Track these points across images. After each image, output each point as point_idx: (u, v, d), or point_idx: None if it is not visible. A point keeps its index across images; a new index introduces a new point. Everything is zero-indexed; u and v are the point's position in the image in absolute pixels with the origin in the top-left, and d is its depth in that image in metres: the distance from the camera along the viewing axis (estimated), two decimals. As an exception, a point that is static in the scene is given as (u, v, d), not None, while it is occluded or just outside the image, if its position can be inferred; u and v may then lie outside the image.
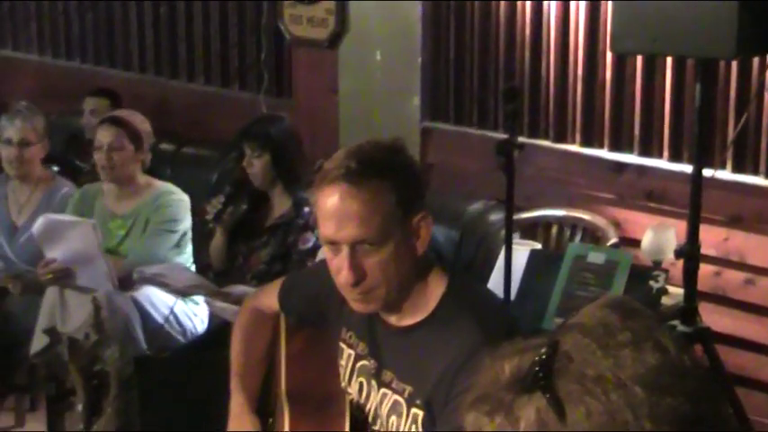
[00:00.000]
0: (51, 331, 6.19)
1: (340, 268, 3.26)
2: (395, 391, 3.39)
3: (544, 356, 1.87)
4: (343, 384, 3.57)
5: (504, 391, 1.89)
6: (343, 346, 3.58)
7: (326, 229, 3.27)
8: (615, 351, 1.86)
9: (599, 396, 1.82)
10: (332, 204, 3.22)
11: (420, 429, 3.30)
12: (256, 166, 6.36)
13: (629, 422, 1.81)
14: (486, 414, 1.91)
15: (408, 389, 3.34)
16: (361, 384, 3.52)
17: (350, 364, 3.56)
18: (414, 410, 3.32)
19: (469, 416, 1.96)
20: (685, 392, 1.86)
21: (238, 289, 6.05)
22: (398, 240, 3.24)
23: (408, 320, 3.36)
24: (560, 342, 1.89)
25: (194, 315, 6.49)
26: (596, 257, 5.77)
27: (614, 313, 1.93)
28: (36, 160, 6.91)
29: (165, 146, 7.97)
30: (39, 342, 6.24)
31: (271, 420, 3.77)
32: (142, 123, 6.77)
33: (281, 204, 6.41)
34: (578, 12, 6.76)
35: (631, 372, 1.84)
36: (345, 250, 3.23)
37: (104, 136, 6.58)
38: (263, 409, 3.76)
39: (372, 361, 3.48)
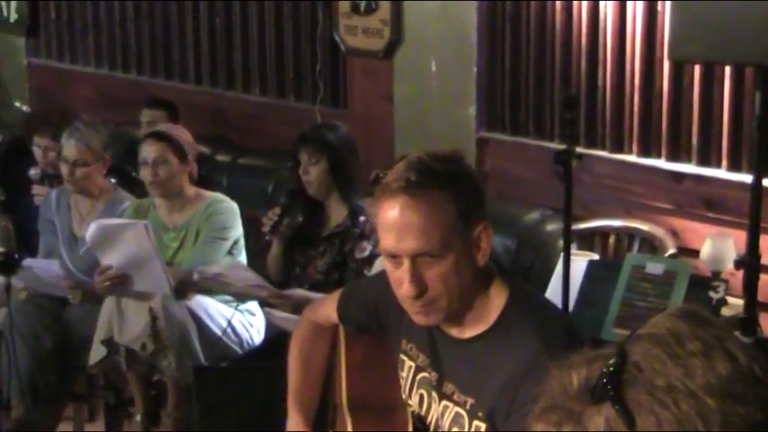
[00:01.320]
0: (109, 342, 6.19)
1: (401, 281, 3.24)
2: (456, 404, 3.37)
3: (612, 367, 1.86)
4: (403, 396, 3.55)
5: (572, 402, 1.88)
6: (403, 357, 3.57)
7: (387, 241, 3.26)
8: (685, 360, 1.84)
9: (669, 406, 1.81)
10: (392, 217, 3.21)
11: None
12: (312, 173, 6.36)
13: (700, 430, 1.79)
14: (554, 424, 1.90)
15: (470, 401, 3.32)
16: (421, 396, 3.50)
17: (410, 376, 3.54)
18: (476, 423, 3.29)
19: (538, 426, 1.95)
20: (756, 401, 1.84)
21: (297, 292, 6.05)
22: (459, 252, 3.21)
23: (470, 332, 3.34)
24: (629, 352, 1.88)
25: (251, 326, 6.49)
26: (655, 267, 5.73)
27: (684, 322, 1.90)
28: (93, 177, 6.91)
29: (221, 156, 7.99)
30: (97, 352, 6.24)
31: None
32: (184, 135, 6.78)
33: (337, 213, 6.40)
34: (635, 18, 6.73)
35: (702, 381, 1.82)
36: (406, 263, 3.21)
37: (148, 152, 6.59)
38: (321, 422, 3.75)
39: (433, 373, 3.46)
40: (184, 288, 6.38)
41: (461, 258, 3.22)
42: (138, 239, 6.22)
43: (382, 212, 3.25)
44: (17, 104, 10.68)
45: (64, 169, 6.87)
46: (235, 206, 6.66)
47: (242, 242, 6.66)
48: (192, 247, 6.55)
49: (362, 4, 8.02)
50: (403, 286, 3.24)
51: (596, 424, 1.85)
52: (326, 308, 3.89)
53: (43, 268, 6.68)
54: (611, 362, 1.87)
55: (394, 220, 3.20)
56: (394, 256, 3.25)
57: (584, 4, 6.95)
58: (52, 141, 7.51)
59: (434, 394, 3.44)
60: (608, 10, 6.84)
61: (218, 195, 6.74)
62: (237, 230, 6.62)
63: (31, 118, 9.17)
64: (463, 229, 3.21)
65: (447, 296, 3.24)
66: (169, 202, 6.66)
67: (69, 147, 6.85)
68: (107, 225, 6.35)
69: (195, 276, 6.36)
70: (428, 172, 3.20)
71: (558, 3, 7.08)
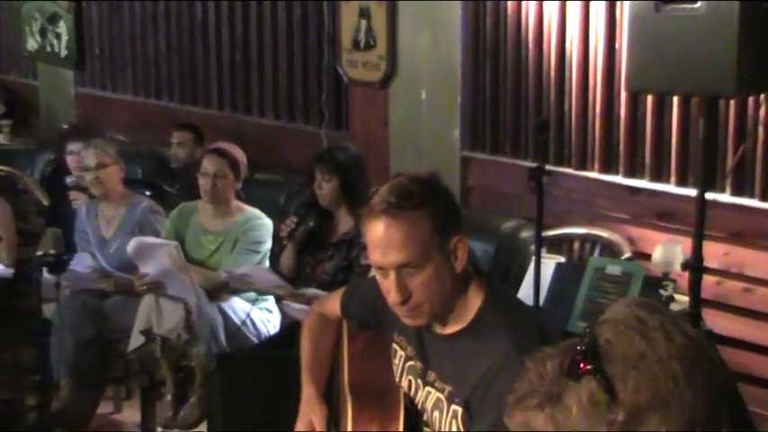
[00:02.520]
0: (147, 332, 6.21)
1: (389, 290, 3.27)
2: (437, 390, 3.39)
3: (587, 346, 1.90)
4: (396, 380, 3.57)
5: (550, 386, 1.91)
6: (396, 347, 3.59)
7: (374, 256, 3.28)
8: (649, 335, 1.88)
9: (643, 371, 1.84)
10: (377, 235, 3.23)
11: (460, 424, 3.29)
12: (325, 188, 6.37)
13: (672, 391, 1.83)
14: (534, 407, 1.92)
15: (449, 388, 3.34)
16: (410, 382, 3.52)
17: (401, 364, 3.57)
18: (453, 407, 3.31)
19: (515, 416, 1.98)
20: (710, 364, 1.89)
21: (310, 291, 6.07)
22: (438, 262, 3.23)
23: (450, 329, 3.36)
24: (597, 334, 1.91)
25: (268, 321, 6.51)
26: (614, 269, 5.75)
27: (641, 308, 1.95)
28: (114, 179, 6.95)
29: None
30: (136, 341, 6.27)
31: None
32: (241, 156, 6.83)
33: (345, 223, 6.40)
34: (597, 55, 6.75)
35: (665, 350, 1.87)
36: (392, 274, 3.23)
37: (210, 165, 6.63)
38: (329, 398, 3.76)
39: (419, 362, 3.48)
40: (217, 290, 6.40)
41: (440, 267, 3.23)
42: (170, 257, 6.28)
43: (368, 231, 3.28)
44: (65, 128, 10.68)
45: (88, 177, 6.91)
46: (270, 223, 6.70)
47: (269, 254, 6.67)
48: (229, 252, 6.57)
49: (362, 42, 8.03)
50: (390, 294, 3.27)
51: (579, 398, 1.87)
52: (332, 303, 3.91)
53: (77, 262, 6.66)
54: (584, 342, 1.91)
55: (378, 238, 3.23)
56: (381, 268, 3.27)
57: (554, 42, 6.96)
58: (84, 146, 7.53)
59: (419, 381, 3.46)
60: (573, 47, 6.85)
61: (257, 212, 6.75)
62: (268, 245, 6.67)
63: (63, 134, 9.16)
64: (440, 242, 3.23)
65: (430, 301, 3.26)
66: (214, 209, 6.70)
67: (89, 155, 6.90)
68: (144, 242, 6.42)
69: (223, 275, 6.38)
70: (406, 194, 3.22)
71: (530, 40, 7.09)
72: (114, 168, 6.91)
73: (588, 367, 1.87)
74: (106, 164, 6.85)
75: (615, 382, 1.85)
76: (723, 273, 6.20)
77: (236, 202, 6.77)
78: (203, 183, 6.63)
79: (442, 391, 3.36)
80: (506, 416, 2.00)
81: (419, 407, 3.46)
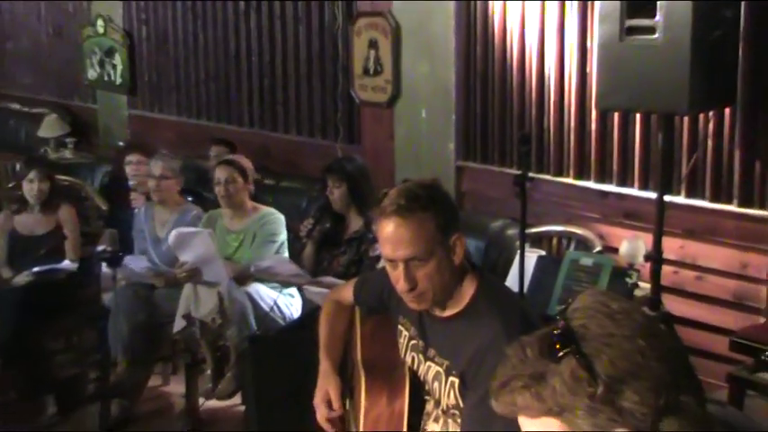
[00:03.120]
0: (187, 316, 6.23)
1: (398, 279, 3.28)
2: (437, 364, 3.40)
3: (561, 331, 1.91)
4: (401, 356, 3.58)
5: (532, 368, 1.90)
6: (401, 328, 3.60)
7: (386, 250, 3.30)
8: (614, 318, 1.90)
9: (615, 347, 1.86)
10: (388, 232, 3.25)
11: (456, 393, 3.30)
12: (336, 194, 6.40)
13: (641, 363, 1.85)
14: (520, 388, 1.92)
15: (446, 363, 3.35)
16: (413, 357, 3.52)
17: (405, 342, 3.57)
18: (451, 379, 3.32)
19: (502, 399, 1.97)
20: (668, 340, 1.91)
21: (327, 279, 6.09)
22: (440, 256, 3.24)
23: (448, 312, 3.37)
24: (570, 320, 1.92)
25: (291, 305, 6.52)
26: (587, 261, 5.76)
27: (604, 296, 1.97)
28: (172, 190, 6.98)
29: (267, 181, 8.01)
30: (179, 324, 6.29)
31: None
32: (247, 163, 6.85)
33: (355, 223, 6.42)
34: (571, 78, 6.75)
35: (629, 330, 1.88)
36: (401, 266, 3.25)
37: (221, 173, 6.66)
38: (342, 373, 3.76)
39: (420, 341, 3.49)
40: (244, 278, 6.41)
41: (442, 261, 3.25)
42: (205, 243, 6.28)
43: (381, 229, 3.30)
44: (120, 144, 10.71)
45: (151, 183, 6.93)
46: (282, 217, 6.72)
47: (286, 245, 6.68)
48: (250, 246, 6.59)
49: (371, 69, 8.03)
50: (399, 283, 3.28)
51: (561, 376, 1.86)
52: (346, 291, 3.92)
53: (135, 263, 6.69)
54: (559, 327, 1.91)
55: (390, 235, 3.24)
56: (391, 261, 3.29)
57: (534, 67, 6.96)
58: (142, 157, 7.55)
59: (421, 357, 3.47)
60: (551, 71, 6.85)
61: (270, 209, 6.78)
62: (283, 235, 6.67)
63: (122, 148, 9.19)
64: (442, 239, 3.24)
65: (432, 289, 3.28)
66: (232, 212, 6.71)
67: (157, 166, 6.92)
68: (183, 232, 6.41)
69: (252, 269, 6.40)
70: (413, 197, 3.24)
71: (514, 66, 7.09)
72: (174, 181, 6.96)
73: (566, 349, 1.86)
74: (168, 176, 6.90)
75: (593, 360, 1.85)
76: (679, 263, 6.20)
77: (251, 204, 6.80)
78: (218, 189, 6.69)
79: (440, 365, 3.37)
80: (493, 400, 1.99)
81: (421, 379, 3.47)
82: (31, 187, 7.00)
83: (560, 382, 1.87)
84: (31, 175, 7.04)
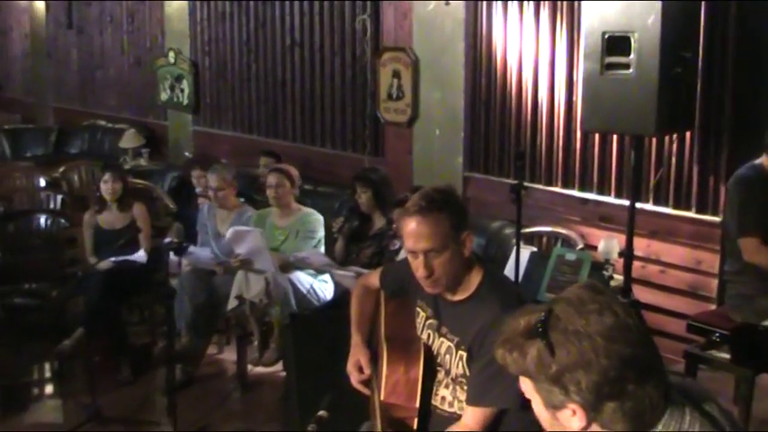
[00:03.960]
0: (239, 297, 6.25)
1: (418, 267, 3.29)
2: (448, 340, 3.40)
3: (543, 316, 1.98)
4: (418, 333, 3.58)
5: (518, 337, 2.01)
6: (418, 309, 3.59)
7: (408, 243, 3.31)
8: (586, 315, 1.95)
9: (575, 343, 1.93)
10: (411, 228, 3.26)
11: (464, 364, 3.32)
12: (363, 198, 6.40)
13: (592, 360, 1.91)
14: (507, 350, 2.03)
15: (456, 339, 3.36)
16: (428, 334, 3.51)
17: (422, 322, 3.56)
18: (460, 352, 3.33)
19: (498, 351, 2.08)
20: (627, 341, 1.93)
21: (354, 268, 6.09)
22: (453, 249, 3.25)
23: (458, 297, 3.36)
24: (553, 308, 2.00)
25: (325, 290, 6.51)
26: (570, 256, 5.77)
27: (587, 291, 2.02)
28: (228, 197, 6.97)
29: (307, 186, 7.99)
30: (232, 303, 6.30)
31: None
32: (294, 171, 6.84)
33: (378, 222, 6.42)
34: (560, 105, 6.75)
35: (595, 328, 1.93)
36: (421, 257, 3.26)
37: (273, 179, 6.67)
38: (370, 345, 3.76)
39: (435, 321, 3.48)
40: (286, 266, 6.42)
41: (454, 253, 3.25)
42: (256, 240, 6.30)
43: (404, 225, 3.31)
44: (186, 154, 10.73)
45: (211, 194, 6.94)
46: (321, 218, 6.72)
47: (323, 240, 6.69)
48: (293, 240, 6.59)
49: (394, 94, 8.04)
50: (419, 270, 3.29)
51: (531, 351, 1.97)
52: (372, 278, 3.91)
53: (200, 253, 6.72)
54: (542, 314, 1.99)
55: (412, 230, 3.25)
56: (413, 252, 3.30)
57: (529, 95, 6.97)
58: (201, 172, 7.56)
59: (435, 333, 3.47)
60: (543, 99, 6.86)
61: (311, 210, 6.78)
62: (321, 233, 6.67)
63: (187, 162, 9.21)
64: (455, 235, 3.25)
65: (446, 276, 3.29)
66: (280, 211, 6.71)
67: (212, 179, 6.93)
68: (239, 230, 6.45)
69: (292, 258, 6.41)
70: (432, 200, 3.25)
71: (513, 94, 7.10)
72: (229, 189, 6.96)
73: (539, 332, 1.95)
74: (223, 187, 6.90)
75: (555, 347, 1.93)
76: (646, 259, 6.21)
77: (296, 205, 6.78)
78: (269, 192, 6.70)
79: (451, 341, 3.38)
80: (495, 350, 2.08)
81: (435, 352, 3.46)
82: (106, 187, 7.03)
83: (530, 357, 1.97)
84: (106, 176, 7.07)
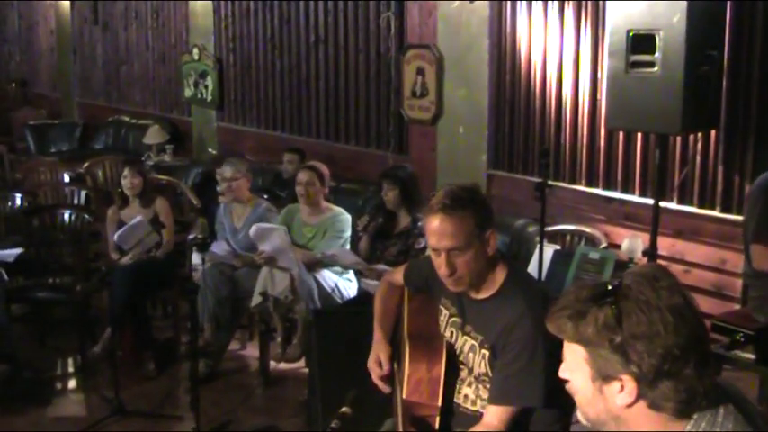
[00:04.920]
0: (264, 293, 6.25)
1: (440, 265, 3.28)
2: (472, 338, 3.39)
3: (615, 284, 1.99)
4: (441, 331, 3.57)
5: (583, 303, 2.00)
6: (442, 307, 3.58)
7: (431, 241, 3.30)
8: (658, 290, 1.95)
9: (646, 313, 1.92)
10: (435, 226, 3.25)
11: (487, 363, 3.32)
12: (390, 195, 6.38)
13: (661, 333, 1.91)
14: (567, 316, 2.02)
15: (480, 337, 3.35)
16: (452, 332, 3.51)
17: (446, 320, 3.55)
18: (483, 351, 3.33)
19: (553, 321, 2.07)
20: (694, 324, 1.95)
21: (380, 266, 6.10)
22: (476, 247, 3.24)
23: (483, 295, 3.35)
24: (623, 279, 2.00)
25: (349, 288, 6.51)
26: (594, 255, 5.76)
27: (659, 269, 2.03)
28: (242, 189, 6.94)
29: (331, 183, 8.01)
30: (256, 299, 6.30)
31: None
32: (325, 170, 6.82)
33: (404, 220, 6.40)
34: (584, 103, 6.75)
35: (666, 303, 1.93)
36: (443, 255, 3.25)
37: (303, 177, 6.66)
38: (393, 342, 3.76)
39: (459, 319, 3.47)
40: (313, 264, 6.43)
41: (478, 252, 3.24)
42: (281, 238, 6.31)
43: (428, 223, 3.29)
44: (210, 150, 10.78)
45: (223, 185, 6.92)
46: (349, 218, 6.70)
47: (349, 239, 6.69)
48: (321, 239, 6.59)
49: (418, 92, 8.04)
50: (441, 268, 3.28)
51: (596, 319, 1.96)
52: (397, 275, 3.90)
53: (216, 248, 6.71)
54: (616, 282, 1.99)
55: (435, 228, 3.24)
56: (436, 250, 3.29)
57: (554, 94, 6.98)
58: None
59: (459, 332, 3.46)
60: (567, 97, 6.86)
61: (340, 210, 6.74)
62: (348, 232, 6.64)
63: (214, 159, 9.23)
64: (479, 234, 3.23)
65: (469, 274, 3.28)
66: (310, 209, 6.69)
67: (226, 170, 6.91)
68: (263, 227, 6.44)
69: (319, 255, 6.42)
70: (456, 198, 3.24)
71: (537, 92, 7.09)
72: (243, 181, 6.93)
73: (608, 299, 1.95)
74: (237, 178, 6.88)
75: (623, 316, 1.93)
76: (670, 258, 6.17)
77: (325, 204, 6.75)
78: (299, 190, 6.65)
79: (475, 339, 3.37)
80: (547, 320, 2.08)
81: (458, 351, 3.45)
82: (125, 183, 7.05)
83: (594, 323, 1.96)
84: (125, 172, 7.09)
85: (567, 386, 2.11)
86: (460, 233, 3.22)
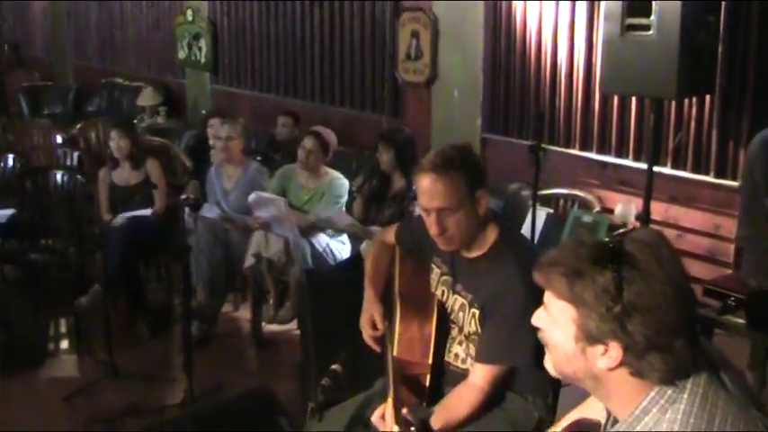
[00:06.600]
0: (257, 255, 6.27)
1: (431, 225, 3.28)
2: (462, 297, 3.40)
3: (614, 248, 1.92)
4: (432, 290, 3.58)
5: (582, 263, 1.92)
6: (433, 266, 3.58)
7: (422, 201, 3.30)
8: (661, 261, 1.89)
9: (647, 283, 1.86)
10: (425, 185, 3.25)
11: (477, 322, 3.33)
12: (385, 157, 6.41)
13: (660, 306, 1.86)
14: (559, 274, 1.95)
15: (470, 296, 3.36)
16: (443, 291, 3.52)
17: (437, 278, 3.56)
18: (473, 310, 3.34)
19: (542, 273, 2.01)
20: (690, 299, 1.93)
21: (374, 228, 6.14)
22: (467, 208, 3.24)
23: (474, 254, 3.36)
24: (625, 244, 1.92)
25: (342, 250, 6.53)
26: (587, 219, 5.77)
27: (660, 237, 1.96)
28: (236, 150, 6.93)
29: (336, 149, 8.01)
30: (249, 261, 6.33)
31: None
32: (332, 138, 6.86)
33: (398, 183, 6.42)
34: (579, 67, 6.75)
35: (667, 275, 1.88)
36: (433, 215, 3.26)
37: (308, 143, 6.69)
38: (385, 301, 3.76)
39: (450, 278, 3.48)
40: (309, 229, 6.45)
41: (468, 212, 3.24)
42: (278, 209, 6.34)
43: (419, 182, 3.29)
44: (203, 112, 10.76)
45: (218, 144, 6.92)
46: (347, 183, 6.73)
47: (345, 204, 6.71)
48: (318, 202, 6.60)
49: (413, 55, 8.02)
50: (432, 228, 3.28)
51: (594, 281, 1.89)
52: (390, 234, 3.89)
53: (208, 212, 6.70)
54: (617, 244, 1.92)
55: (426, 188, 3.24)
56: (426, 210, 3.29)
57: (548, 57, 6.96)
58: (219, 121, 7.52)
59: (450, 290, 3.47)
60: (563, 61, 6.85)
61: (338, 174, 6.77)
62: (345, 197, 6.68)
63: (209, 112, 9.18)
64: (469, 194, 3.23)
65: (459, 234, 3.28)
66: (308, 173, 6.70)
67: (224, 129, 6.90)
68: (262, 196, 6.48)
69: (314, 218, 6.44)
70: (447, 158, 3.23)
71: (532, 56, 7.08)
72: (238, 141, 6.92)
73: (611, 264, 1.88)
74: (233, 137, 6.88)
75: (625, 283, 1.87)
76: (663, 224, 6.18)
77: (323, 168, 6.77)
78: (300, 154, 6.66)
79: (465, 298, 3.38)
80: (536, 270, 2.03)
81: (448, 309, 3.46)
82: (113, 144, 7.06)
83: (592, 286, 1.89)
84: (113, 134, 7.10)
85: (541, 335, 2.08)
86: (451, 193, 3.21)
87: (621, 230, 5.65)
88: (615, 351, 1.91)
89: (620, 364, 1.93)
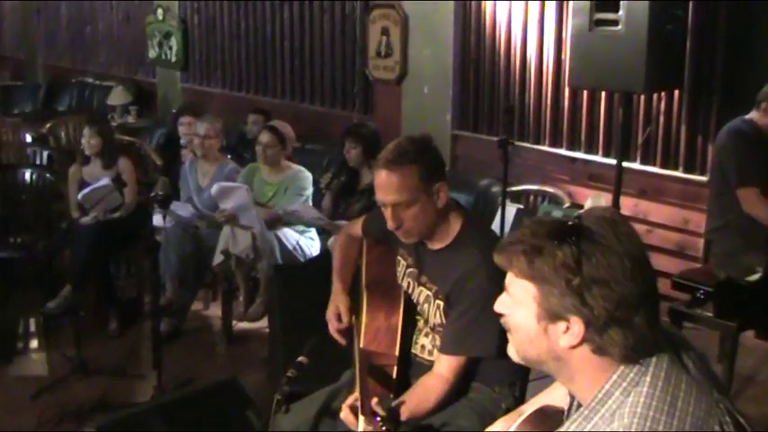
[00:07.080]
0: (226, 252, 6.24)
1: (387, 219, 3.28)
2: (427, 288, 3.39)
3: (572, 223, 1.93)
4: (398, 282, 3.57)
5: (540, 239, 1.92)
6: (399, 258, 3.57)
7: (378, 195, 3.29)
8: (619, 236, 1.89)
9: (605, 256, 1.87)
10: (379, 180, 3.24)
11: (441, 314, 3.32)
12: (352, 153, 6.42)
13: (618, 279, 1.86)
14: (519, 252, 1.95)
15: (435, 288, 3.34)
16: (408, 283, 3.50)
17: (403, 270, 3.55)
18: (437, 302, 3.33)
19: (503, 254, 2.01)
20: (649, 274, 1.93)
21: (343, 222, 6.09)
22: (423, 201, 3.21)
23: (438, 245, 3.34)
24: (582, 220, 1.94)
25: (312, 246, 6.52)
26: (557, 214, 5.75)
27: (618, 215, 1.97)
28: (214, 148, 6.92)
29: (295, 144, 7.97)
30: (218, 258, 6.29)
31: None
32: (288, 131, 6.80)
33: (366, 177, 6.42)
34: (548, 62, 6.76)
35: (626, 249, 1.89)
36: (389, 209, 3.25)
37: (264, 138, 6.65)
38: (352, 294, 3.75)
39: (415, 269, 3.47)
40: (274, 222, 6.42)
41: (425, 205, 3.22)
42: (243, 196, 6.28)
43: (375, 177, 3.28)
44: (173, 111, 10.71)
45: (196, 141, 6.88)
46: (310, 175, 6.69)
47: (311, 197, 6.68)
48: (282, 196, 6.58)
49: (383, 52, 8.01)
50: (389, 222, 3.28)
51: (554, 256, 1.89)
52: (356, 227, 3.88)
53: (180, 210, 6.67)
54: (575, 220, 1.94)
55: (380, 183, 3.24)
56: (383, 204, 3.28)
57: (518, 53, 6.97)
58: (192, 119, 7.49)
59: (415, 282, 3.46)
60: (532, 56, 6.86)
61: (301, 168, 6.73)
62: (310, 190, 6.65)
63: (180, 108, 9.12)
64: (425, 188, 3.21)
65: (416, 227, 3.27)
66: (270, 168, 6.67)
67: (202, 127, 6.87)
68: (225, 186, 6.41)
69: (280, 212, 6.42)
70: (402, 152, 3.21)
71: (502, 52, 7.09)
72: (216, 140, 6.91)
73: (570, 238, 1.88)
74: (211, 136, 6.85)
75: (584, 257, 1.87)
76: (633, 219, 6.18)
77: (285, 162, 6.74)
78: (258, 150, 6.67)
79: (430, 289, 3.36)
80: (496, 252, 2.03)
81: (414, 301, 3.45)
82: (84, 141, 7.02)
83: (551, 261, 1.90)
84: (85, 131, 7.05)
85: (503, 320, 2.07)
86: (403, 188, 3.19)
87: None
88: (577, 327, 1.90)
89: (583, 341, 1.92)
